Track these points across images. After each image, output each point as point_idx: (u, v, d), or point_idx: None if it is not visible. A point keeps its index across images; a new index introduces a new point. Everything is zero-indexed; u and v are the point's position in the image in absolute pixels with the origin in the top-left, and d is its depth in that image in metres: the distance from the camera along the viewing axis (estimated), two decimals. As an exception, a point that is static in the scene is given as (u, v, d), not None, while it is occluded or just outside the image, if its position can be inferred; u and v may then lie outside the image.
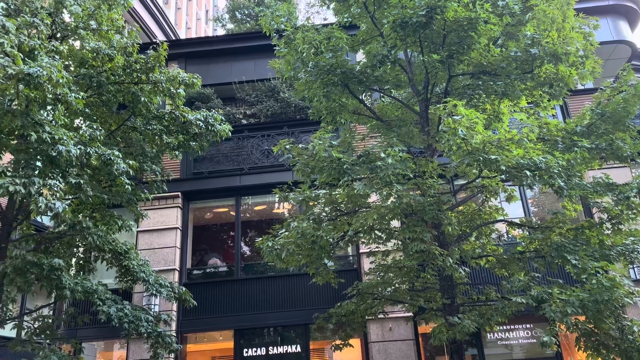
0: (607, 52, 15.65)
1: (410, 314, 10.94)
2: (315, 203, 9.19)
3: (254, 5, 23.61)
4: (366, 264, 12.23)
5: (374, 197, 9.36)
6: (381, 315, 10.67)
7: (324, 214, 8.98)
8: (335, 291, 11.97)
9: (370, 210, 8.11)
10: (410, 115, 10.01)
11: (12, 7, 10.18)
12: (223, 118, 10.95)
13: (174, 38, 28.63)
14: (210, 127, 10.61)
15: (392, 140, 8.67)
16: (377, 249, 10.21)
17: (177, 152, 10.88)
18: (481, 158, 6.78)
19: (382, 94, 10.83)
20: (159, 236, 13.24)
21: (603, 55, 15.07)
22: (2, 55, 8.17)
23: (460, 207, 9.67)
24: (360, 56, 13.53)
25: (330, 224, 8.55)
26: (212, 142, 11.02)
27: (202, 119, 10.57)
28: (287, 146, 8.53)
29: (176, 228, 13.34)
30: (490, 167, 6.88)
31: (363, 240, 9.12)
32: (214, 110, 11.06)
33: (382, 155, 7.55)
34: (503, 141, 7.09)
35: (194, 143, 10.77)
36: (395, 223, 10.94)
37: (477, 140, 6.83)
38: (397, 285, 9.74)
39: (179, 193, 13.68)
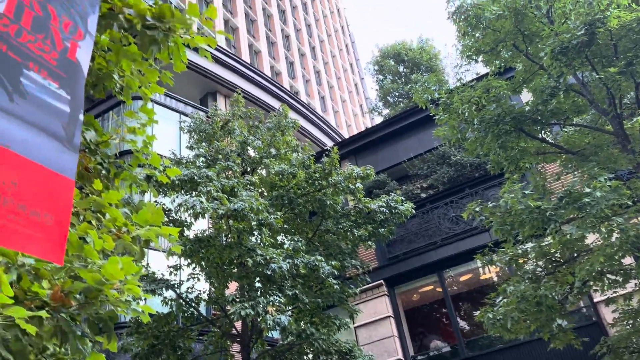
0: None
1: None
2: (526, 259, 8.48)
3: (402, 85, 24.45)
4: (607, 313, 10.59)
5: (592, 238, 8.30)
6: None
7: (539, 269, 8.21)
8: (580, 353, 10.48)
9: (593, 254, 7.17)
10: (603, 138, 8.95)
11: (209, 158, 12.11)
12: (403, 198, 11.12)
13: (339, 139, 30.76)
14: (393, 211, 10.84)
15: (592, 170, 7.77)
16: (615, 294, 8.84)
17: (369, 242, 11.26)
18: None
19: (562, 125, 9.96)
20: (374, 328, 13.37)
21: None
22: (211, 201, 9.63)
23: None
24: (526, 96, 12.82)
25: (550, 279, 7.75)
26: (398, 224, 11.18)
27: (385, 204, 10.87)
28: (477, 209, 8.20)
29: (388, 317, 13.36)
30: None
31: (595, 288, 8.01)
32: (392, 194, 11.33)
33: (587, 189, 6.78)
34: None
35: (382, 229, 11.06)
36: (628, 260, 9.44)
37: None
38: (656, 332, 8.18)
39: (382, 281, 13.84)
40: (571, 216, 7.17)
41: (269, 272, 8.45)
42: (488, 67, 9.95)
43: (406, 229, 14.35)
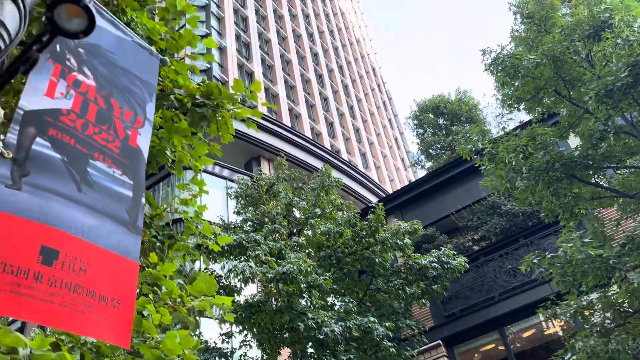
0: None
1: None
2: (592, 311, 7.99)
3: (443, 137, 24.45)
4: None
5: (663, 285, 7.74)
6: None
7: (607, 321, 7.69)
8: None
9: (667, 303, 6.67)
10: (662, 178, 8.54)
11: (256, 222, 12.28)
12: (454, 252, 10.83)
13: (383, 195, 30.66)
14: (446, 266, 10.54)
15: (654, 213, 7.38)
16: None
17: (423, 300, 10.90)
18: None
19: (616, 168, 9.60)
20: (435, 392, 12.66)
21: None
22: (259, 265, 9.68)
23: None
24: (573, 140, 12.53)
25: (621, 332, 7.24)
26: (452, 279, 10.83)
27: (436, 259, 10.60)
28: (535, 260, 7.86)
29: (449, 378, 12.66)
30: None
31: (674, 340, 7.37)
32: (443, 248, 11.06)
33: (652, 234, 6.41)
34: None
35: (435, 286, 10.73)
36: None
37: None
38: None
39: (439, 341, 13.23)
40: (636, 263, 6.76)
41: (321, 337, 8.27)
42: (530, 114, 9.84)
43: (460, 284, 13.84)
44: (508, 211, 14.22)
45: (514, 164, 8.74)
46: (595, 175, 9.32)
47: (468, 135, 10.04)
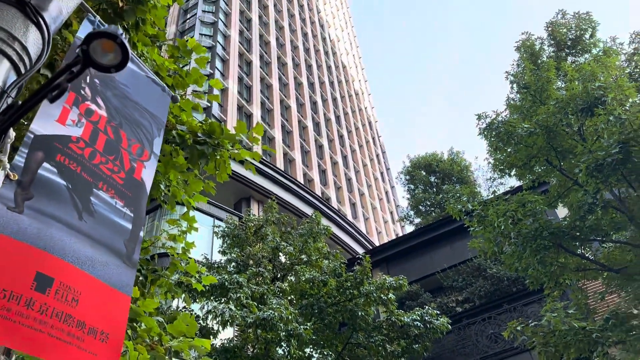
0: None
1: None
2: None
3: (434, 195, 24.65)
4: None
5: (645, 364, 7.67)
6: None
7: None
8: None
9: (649, 383, 6.59)
10: (647, 256, 8.62)
11: (240, 263, 12.13)
12: (438, 312, 10.69)
13: (369, 247, 30.51)
14: (428, 325, 10.38)
15: (638, 291, 7.41)
16: None
17: (402, 359, 10.65)
18: None
19: (602, 242, 9.69)
20: None
21: None
22: (240, 308, 9.48)
23: None
24: (562, 210, 12.69)
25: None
26: (433, 340, 10.64)
27: (419, 318, 10.45)
28: (518, 328, 7.79)
29: None
30: None
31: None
32: (426, 306, 10.92)
33: (635, 311, 6.41)
34: None
35: (416, 345, 10.52)
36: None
37: None
38: None
39: (416, 403, 12.86)
40: (619, 339, 6.72)
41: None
42: (521, 180, 10.01)
43: (442, 345, 13.60)
44: (493, 275, 14.19)
45: (502, 228, 8.80)
46: (582, 247, 9.39)
47: (458, 195, 10.16)
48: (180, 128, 4.16)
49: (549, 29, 11.17)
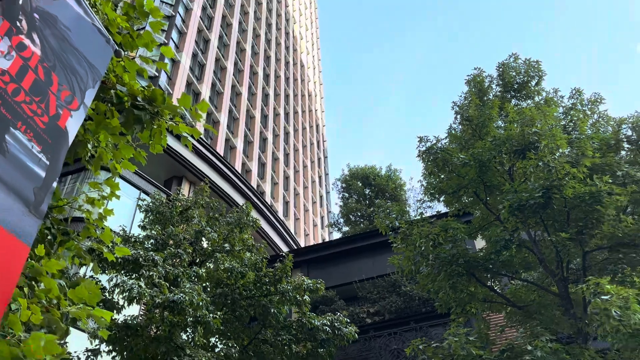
0: None
1: None
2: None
3: (366, 207, 25.11)
4: None
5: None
6: None
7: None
8: None
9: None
10: (548, 298, 9.21)
11: (159, 241, 11.73)
12: (348, 320, 10.85)
13: (294, 247, 30.58)
14: (337, 332, 10.51)
15: (535, 329, 7.88)
16: None
17: (306, 362, 10.70)
18: (650, 340, 5.85)
19: (511, 278, 10.26)
20: None
21: None
22: (150, 287, 9.17)
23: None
24: (480, 242, 13.30)
25: None
26: (339, 347, 10.79)
27: (329, 323, 10.55)
28: (420, 347, 8.06)
29: None
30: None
31: None
32: (338, 313, 11.06)
33: (529, 347, 6.82)
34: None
35: (322, 350, 10.60)
36: None
37: (638, 320, 5.99)
38: None
39: (311, 406, 12.97)
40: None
41: (194, 376, 7.85)
42: (448, 207, 10.40)
43: (346, 353, 13.83)
44: (407, 292, 14.63)
45: (423, 249, 9.10)
46: (492, 280, 9.89)
47: (388, 211, 10.40)
48: (120, 89, 3.95)
49: (500, 69, 11.71)
